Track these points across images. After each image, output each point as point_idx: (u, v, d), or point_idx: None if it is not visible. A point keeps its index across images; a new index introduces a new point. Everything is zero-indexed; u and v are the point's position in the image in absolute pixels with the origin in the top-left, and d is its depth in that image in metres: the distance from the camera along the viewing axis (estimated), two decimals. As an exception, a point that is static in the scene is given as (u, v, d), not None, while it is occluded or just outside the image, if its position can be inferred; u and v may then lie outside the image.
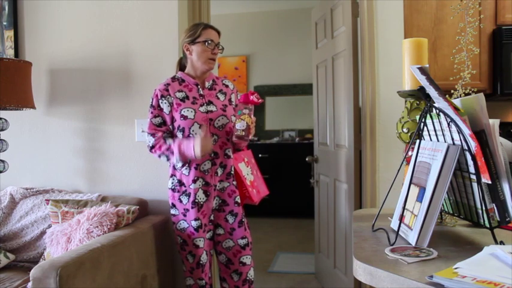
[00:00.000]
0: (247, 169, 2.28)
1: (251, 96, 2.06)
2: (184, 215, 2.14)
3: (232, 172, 2.21)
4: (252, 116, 2.09)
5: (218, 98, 2.20)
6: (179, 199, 2.15)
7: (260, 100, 2.08)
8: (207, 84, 2.20)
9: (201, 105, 2.13)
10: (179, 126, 2.10)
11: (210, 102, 2.16)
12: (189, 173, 2.12)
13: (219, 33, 2.19)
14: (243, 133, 2.06)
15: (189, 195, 2.12)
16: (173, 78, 2.18)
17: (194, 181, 2.11)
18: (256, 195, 2.27)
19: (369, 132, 2.52)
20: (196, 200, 2.11)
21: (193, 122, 2.09)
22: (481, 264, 0.89)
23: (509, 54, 2.64)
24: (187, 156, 2.04)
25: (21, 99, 2.42)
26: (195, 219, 2.12)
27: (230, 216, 2.20)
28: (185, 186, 2.13)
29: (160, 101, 2.12)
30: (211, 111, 2.14)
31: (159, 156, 2.12)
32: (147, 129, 2.15)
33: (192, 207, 2.12)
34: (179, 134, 2.11)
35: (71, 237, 2.11)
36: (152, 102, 2.14)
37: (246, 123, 2.06)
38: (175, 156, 2.06)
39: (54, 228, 2.22)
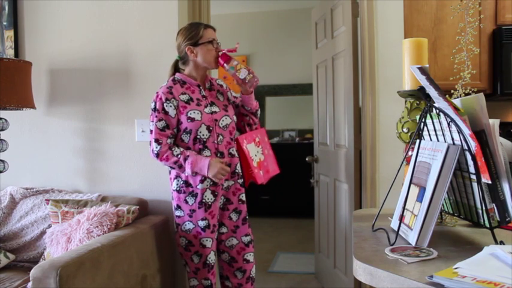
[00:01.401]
0: (256, 149, 2.26)
1: (226, 51, 2.13)
2: (190, 216, 2.12)
3: (237, 170, 2.20)
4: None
5: (218, 99, 2.20)
6: (185, 200, 2.12)
7: (236, 46, 2.15)
8: (206, 85, 2.21)
9: (206, 106, 2.13)
10: (186, 128, 2.08)
11: (212, 103, 2.16)
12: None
13: (215, 30, 2.21)
14: (251, 76, 2.11)
15: (195, 195, 2.11)
16: (174, 81, 2.16)
17: (202, 181, 2.09)
18: (262, 176, 2.23)
19: (369, 132, 2.52)
20: (204, 200, 2.10)
21: (200, 124, 2.08)
22: (481, 264, 0.89)
23: (509, 54, 2.64)
24: (200, 174, 2.08)
25: (21, 99, 2.42)
26: (202, 219, 2.11)
27: (234, 214, 2.21)
28: (192, 187, 2.11)
29: (165, 104, 2.06)
30: (216, 112, 2.14)
31: (165, 164, 2.10)
32: (152, 134, 2.08)
33: (199, 208, 2.11)
34: (185, 136, 2.10)
35: (71, 237, 2.11)
36: (155, 105, 2.08)
37: (244, 68, 2.11)
38: (186, 172, 2.07)
39: (54, 228, 2.22)
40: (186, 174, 2.09)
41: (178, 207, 2.15)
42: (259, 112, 2.33)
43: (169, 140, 2.08)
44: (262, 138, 2.34)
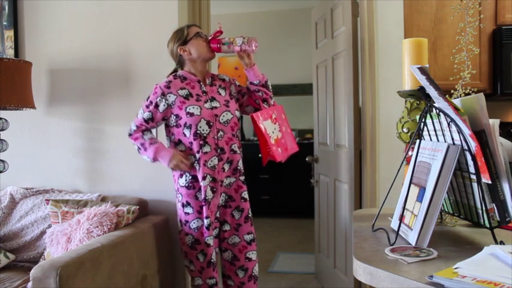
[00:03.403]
0: (273, 126, 2.22)
1: (212, 36, 2.17)
2: (199, 213, 2.13)
3: (239, 167, 2.20)
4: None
5: (220, 94, 2.21)
6: (195, 196, 2.13)
7: (219, 26, 2.18)
8: (207, 81, 2.22)
9: (205, 102, 2.14)
10: (186, 123, 2.10)
11: (213, 99, 2.17)
12: (199, 169, 2.11)
13: (199, 27, 2.26)
14: (246, 38, 2.12)
15: (201, 192, 2.12)
16: (175, 76, 2.19)
17: (204, 178, 2.10)
18: (281, 153, 2.21)
19: (369, 132, 2.52)
20: (207, 197, 2.11)
21: (200, 119, 2.09)
22: (481, 264, 0.89)
23: (509, 54, 2.64)
24: (159, 161, 2.15)
25: (21, 99, 2.42)
26: (206, 217, 2.11)
27: (236, 212, 2.21)
28: (199, 183, 2.12)
29: (158, 98, 2.12)
30: (216, 107, 2.15)
31: (134, 144, 2.20)
32: (137, 118, 2.18)
33: (204, 205, 2.11)
34: (186, 131, 2.11)
35: (71, 237, 2.11)
36: (149, 96, 2.15)
37: (237, 37, 2.13)
38: (147, 156, 2.16)
39: (54, 228, 2.22)
40: (148, 159, 2.16)
41: (188, 203, 2.15)
42: (269, 84, 2.29)
43: (147, 129, 2.20)
44: (279, 115, 2.29)
